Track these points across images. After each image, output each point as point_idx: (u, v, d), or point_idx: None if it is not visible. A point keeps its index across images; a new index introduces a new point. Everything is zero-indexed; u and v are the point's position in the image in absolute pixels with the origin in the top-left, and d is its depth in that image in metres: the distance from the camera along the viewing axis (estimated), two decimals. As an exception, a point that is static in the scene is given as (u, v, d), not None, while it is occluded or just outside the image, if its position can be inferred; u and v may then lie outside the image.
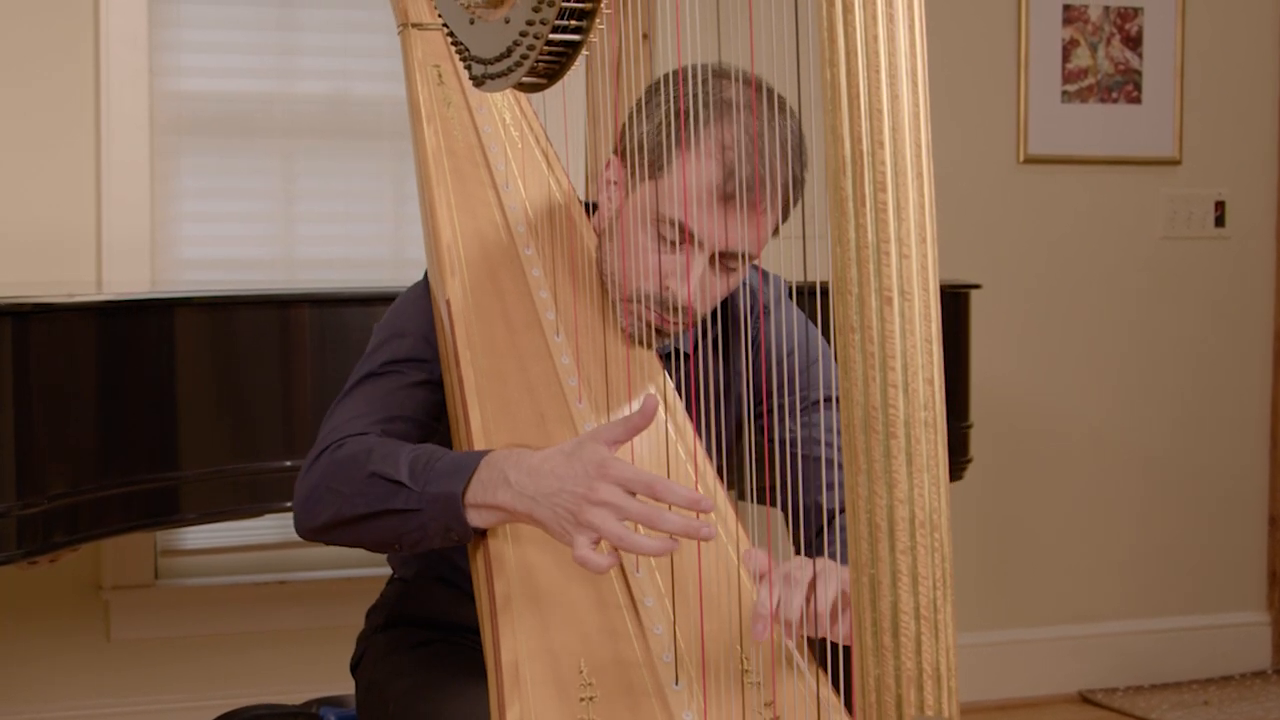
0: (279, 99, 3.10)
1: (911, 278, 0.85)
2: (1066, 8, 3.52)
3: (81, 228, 2.93)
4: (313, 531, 1.49)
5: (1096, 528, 3.65)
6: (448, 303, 1.54)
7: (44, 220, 2.92)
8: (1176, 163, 3.62)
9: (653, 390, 1.56)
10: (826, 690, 1.33)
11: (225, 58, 3.08)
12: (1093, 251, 3.60)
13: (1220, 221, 3.69)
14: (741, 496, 2.19)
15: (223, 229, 3.11)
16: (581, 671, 1.28)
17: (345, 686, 1.86)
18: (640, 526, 1.25)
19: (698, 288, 1.52)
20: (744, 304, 1.66)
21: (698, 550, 1.35)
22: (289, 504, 2.32)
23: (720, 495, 1.50)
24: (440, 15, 1.54)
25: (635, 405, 1.52)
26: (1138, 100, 3.58)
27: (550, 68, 1.41)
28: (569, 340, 1.57)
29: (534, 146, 1.77)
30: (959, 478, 2.83)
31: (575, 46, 1.37)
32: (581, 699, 1.26)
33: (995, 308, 3.41)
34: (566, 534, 1.27)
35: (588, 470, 1.26)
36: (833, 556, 1.39)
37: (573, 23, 1.34)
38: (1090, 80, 3.55)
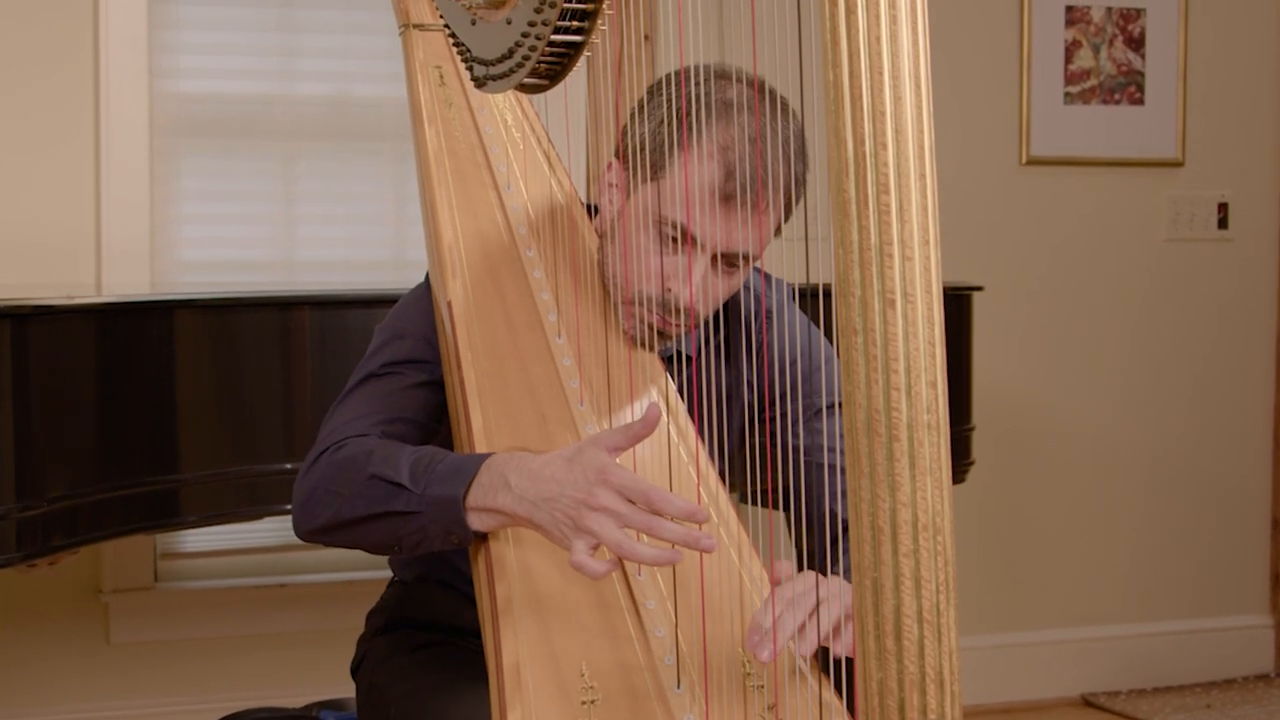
0: (279, 100, 3.10)
1: (914, 280, 0.85)
2: (1069, 9, 3.51)
3: (81, 229, 2.93)
4: (311, 533, 1.48)
5: (1099, 530, 3.65)
6: (449, 304, 1.54)
7: (43, 222, 2.91)
8: (1179, 164, 3.62)
9: (655, 396, 1.55)
10: (829, 694, 1.33)
11: (225, 59, 3.08)
12: (1095, 253, 3.60)
13: (1223, 223, 3.68)
14: (744, 500, 2.19)
15: (223, 231, 3.11)
16: (583, 674, 1.27)
17: (346, 689, 1.86)
18: (642, 535, 1.25)
19: (699, 289, 1.52)
20: (748, 307, 1.65)
21: (700, 553, 1.35)
22: (289, 506, 2.31)
23: (722, 498, 1.49)
24: (442, 16, 1.54)
25: (637, 407, 1.52)
26: (1140, 102, 3.58)
27: (552, 69, 1.41)
28: (571, 342, 1.57)
29: (536, 148, 1.76)
30: (961, 480, 2.83)
31: (577, 48, 1.37)
32: (583, 702, 1.25)
33: (998, 310, 3.41)
34: (565, 539, 1.27)
35: (588, 476, 1.26)
36: (847, 569, 1.38)
37: (574, 24, 1.34)
38: (1093, 82, 3.54)
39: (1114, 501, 3.65)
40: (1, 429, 1.98)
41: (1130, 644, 3.65)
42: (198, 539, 3.10)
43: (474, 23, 1.45)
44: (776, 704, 1.30)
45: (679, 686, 1.29)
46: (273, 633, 3.10)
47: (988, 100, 3.48)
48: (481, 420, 1.45)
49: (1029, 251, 3.55)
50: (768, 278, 1.69)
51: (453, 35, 1.51)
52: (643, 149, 1.53)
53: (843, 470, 1.55)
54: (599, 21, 1.34)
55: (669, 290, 1.52)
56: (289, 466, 2.29)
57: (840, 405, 1.59)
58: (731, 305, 1.65)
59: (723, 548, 1.44)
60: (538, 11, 1.32)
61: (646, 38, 2.70)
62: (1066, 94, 3.52)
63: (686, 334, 1.59)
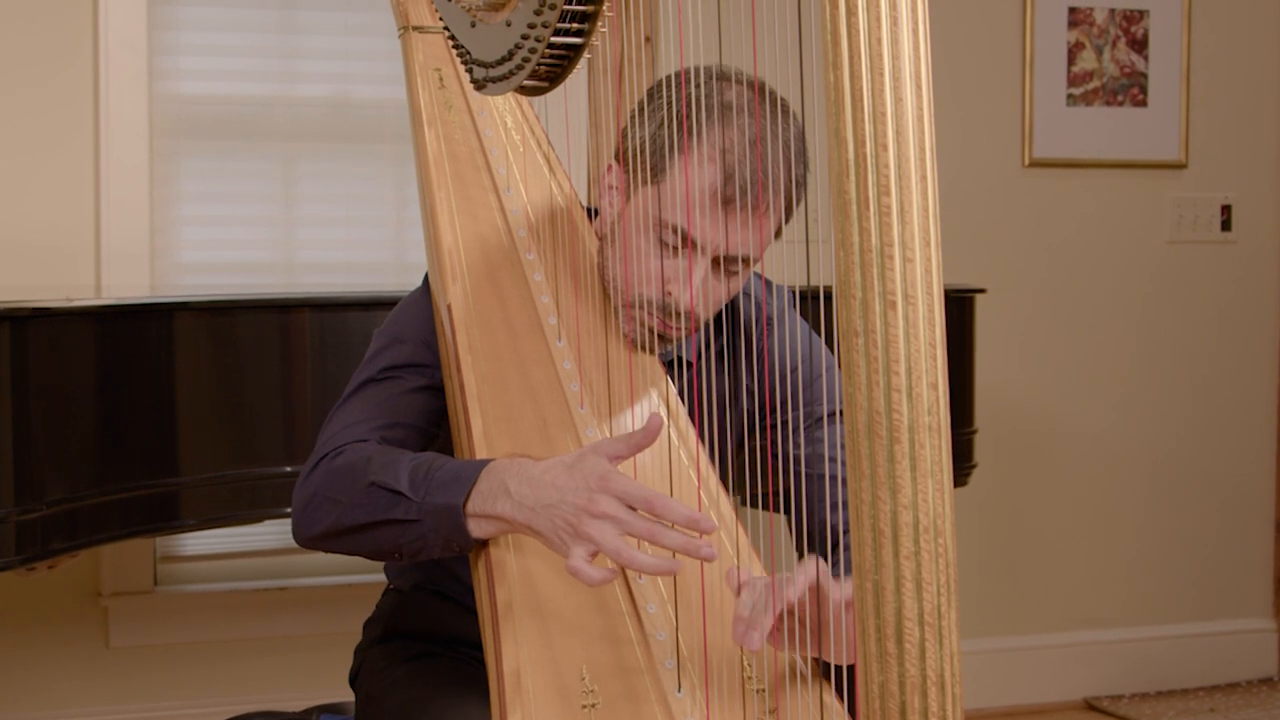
0: (279, 102, 3.09)
1: (915, 281, 0.84)
2: (1072, 10, 3.51)
3: (80, 231, 2.93)
4: (311, 540, 1.48)
5: (1101, 533, 3.64)
6: (449, 307, 1.53)
7: (43, 224, 2.91)
8: (1183, 166, 3.62)
9: (656, 400, 1.55)
10: (830, 697, 1.32)
11: (225, 61, 3.08)
12: (1098, 255, 3.59)
13: (1226, 225, 3.68)
14: (745, 503, 2.18)
15: (223, 233, 3.10)
16: (584, 678, 1.27)
17: (347, 693, 1.85)
18: (641, 543, 1.25)
19: (699, 292, 1.51)
20: (748, 314, 1.65)
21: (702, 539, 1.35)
22: (289, 510, 2.31)
23: (723, 501, 1.49)
24: (441, 18, 1.54)
25: (638, 411, 1.52)
26: (1143, 103, 3.57)
27: (552, 71, 1.40)
28: (571, 345, 1.56)
29: (536, 150, 1.76)
30: (964, 483, 2.82)
31: (577, 50, 1.36)
32: (584, 706, 1.25)
33: (1000, 312, 3.40)
34: (565, 545, 1.26)
35: (589, 483, 1.25)
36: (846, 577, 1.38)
37: (574, 26, 1.33)
38: (1096, 83, 3.54)
39: (1117, 504, 3.65)
40: (0, 431, 1.97)
41: (1133, 647, 3.64)
42: (197, 542, 3.10)
43: (473, 25, 1.45)
44: (778, 707, 1.30)
45: (680, 690, 1.29)
46: (273, 636, 3.09)
47: (990, 102, 3.48)
48: (481, 424, 1.45)
49: (1031, 254, 3.54)
50: (768, 284, 1.68)
51: (452, 37, 1.51)
52: (642, 151, 1.53)
53: (843, 481, 1.55)
54: (599, 24, 1.34)
55: (669, 293, 1.52)
56: (289, 469, 2.28)
57: (840, 414, 1.59)
58: (732, 311, 1.65)
59: (723, 551, 1.43)
60: (537, 14, 1.32)
61: (648, 39, 2.70)
62: (1069, 96, 3.52)
63: (687, 338, 1.59)
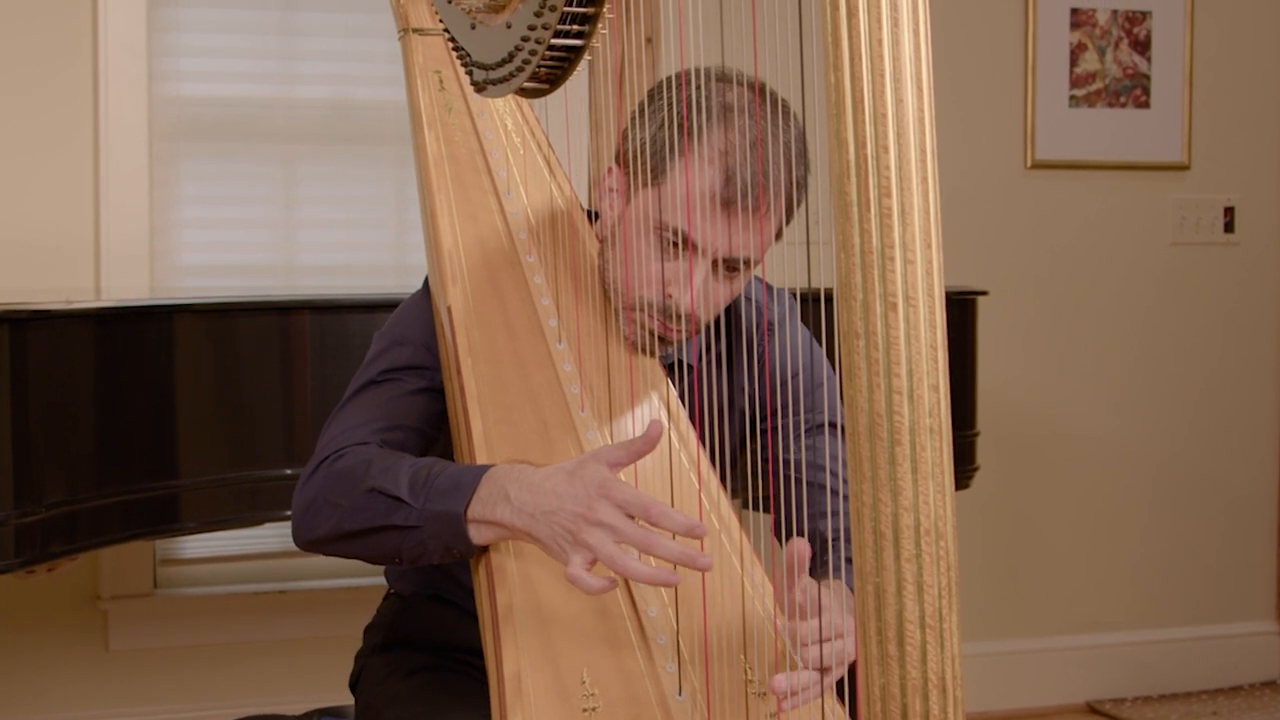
0: (279, 104, 3.09)
1: (916, 283, 0.84)
2: (1074, 11, 3.50)
3: (80, 234, 2.93)
4: (311, 544, 1.48)
5: (1104, 536, 3.64)
6: (449, 310, 1.53)
7: (43, 226, 2.91)
8: (1185, 168, 3.61)
9: (656, 402, 1.55)
10: (831, 700, 1.32)
11: (225, 63, 3.07)
12: (1101, 258, 3.59)
13: (1229, 227, 3.67)
14: (745, 506, 2.18)
15: (222, 235, 3.10)
16: (584, 682, 1.27)
17: (346, 697, 1.85)
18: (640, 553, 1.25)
19: (700, 294, 1.51)
20: (750, 318, 1.64)
21: (701, 547, 1.34)
22: (289, 512, 2.30)
23: (724, 505, 1.49)
24: (441, 20, 1.53)
25: (638, 414, 1.52)
26: (1146, 105, 3.57)
27: (552, 73, 1.40)
28: (571, 348, 1.56)
29: (536, 153, 1.76)
30: (966, 486, 2.82)
31: (577, 52, 1.36)
32: (584, 710, 1.25)
33: (1002, 314, 3.40)
34: (563, 552, 1.26)
35: (588, 490, 1.25)
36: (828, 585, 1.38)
37: (574, 28, 1.33)
38: (1098, 85, 3.53)
39: (1119, 507, 3.64)
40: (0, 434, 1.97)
41: (1136, 651, 3.64)
42: (197, 545, 3.10)
43: (473, 27, 1.44)
44: (779, 711, 1.29)
45: (680, 694, 1.28)
46: (273, 640, 3.09)
47: (992, 104, 3.47)
48: (481, 426, 1.45)
49: (1034, 256, 3.54)
50: (769, 288, 1.68)
51: (452, 40, 1.51)
52: (642, 153, 1.52)
53: (834, 492, 1.55)
54: (599, 25, 1.33)
55: (669, 296, 1.51)
56: (289, 472, 2.28)
57: (840, 426, 1.58)
58: (733, 315, 1.65)
59: (724, 554, 1.43)
60: (537, 15, 1.32)
61: (649, 41, 2.69)
62: (1072, 97, 3.51)
63: (687, 340, 1.58)
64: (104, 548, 2.21)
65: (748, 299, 1.65)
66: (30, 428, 2.01)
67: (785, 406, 1.62)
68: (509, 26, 1.37)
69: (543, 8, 1.31)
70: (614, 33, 1.44)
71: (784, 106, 1.51)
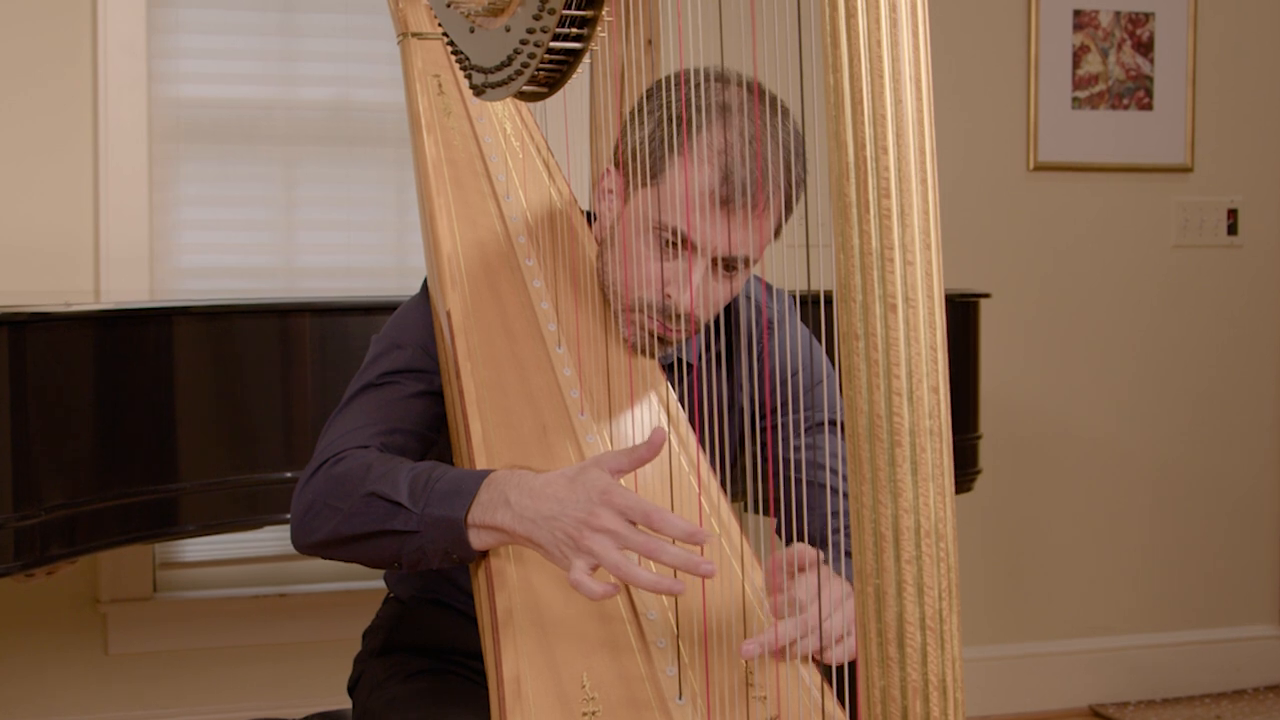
0: (279, 105, 3.09)
1: (916, 284, 0.84)
2: (1077, 13, 3.50)
3: (80, 235, 2.92)
4: (309, 547, 1.48)
5: (1107, 540, 3.63)
6: (448, 314, 1.53)
7: (42, 228, 2.91)
8: (1188, 170, 3.61)
9: (656, 405, 1.54)
10: (832, 704, 1.32)
11: (225, 64, 3.07)
12: (1104, 260, 3.58)
13: (1233, 229, 3.66)
14: (746, 509, 2.18)
15: (222, 237, 3.10)
16: (584, 686, 1.27)
17: (345, 700, 1.85)
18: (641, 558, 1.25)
19: (699, 294, 1.51)
20: (749, 317, 1.64)
21: (702, 552, 1.34)
22: (289, 515, 2.30)
23: (724, 508, 1.48)
24: (440, 24, 1.53)
25: (638, 417, 1.52)
26: (1149, 107, 3.56)
27: (551, 76, 1.40)
28: (571, 351, 1.56)
29: (535, 156, 1.76)
30: (968, 489, 2.81)
31: (576, 55, 1.36)
32: (584, 714, 1.25)
33: (1005, 317, 3.39)
34: (564, 558, 1.26)
35: (590, 496, 1.25)
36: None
37: (574, 31, 1.33)
38: (1101, 86, 3.53)
39: (1122, 510, 3.64)
40: (-2, 436, 1.97)
41: (1139, 654, 3.63)
42: (197, 548, 3.10)
43: (472, 30, 1.44)
44: (779, 714, 1.29)
45: (681, 697, 1.28)
46: (272, 643, 3.09)
47: (995, 105, 3.47)
48: (481, 430, 1.45)
49: (1036, 258, 3.53)
50: (769, 287, 1.68)
51: (451, 43, 1.51)
52: (639, 153, 1.52)
53: (834, 490, 1.55)
54: (598, 28, 1.33)
55: (668, 296, 1.51)
56: (289, 475, 2.28)
57: (840, 424, 1.58)
58: (732, 314, 1.65)
59: (724, 558, 1.43)
60: (536, 18, 1.31)
61: (649, 43, 2.69)
62: (1074, 99, 3.51)
63: (687, 340, 1.58)
64: (103, 551, 2.20)
65: (747, 298, 1.65)
66: (29, 430, 2.00)
67: (785, 404, 1.62)
68: (508, 30, 1.37)
69: (541, 10, 1.31)
70: (614, 35, 1.44)
71: (780, 106, 1.51)
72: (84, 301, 2.34)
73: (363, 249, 3.15)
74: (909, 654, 0.84)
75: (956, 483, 2.66)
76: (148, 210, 2.95)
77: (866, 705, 0.86)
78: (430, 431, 1.55)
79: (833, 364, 1.65)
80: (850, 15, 0.84)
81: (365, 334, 2.15)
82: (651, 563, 1.27)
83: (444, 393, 1.54)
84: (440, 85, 1.79)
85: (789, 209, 1.53)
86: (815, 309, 1.66)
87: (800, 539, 1.53)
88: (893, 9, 0.83)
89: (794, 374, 1.64)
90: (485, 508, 1.32)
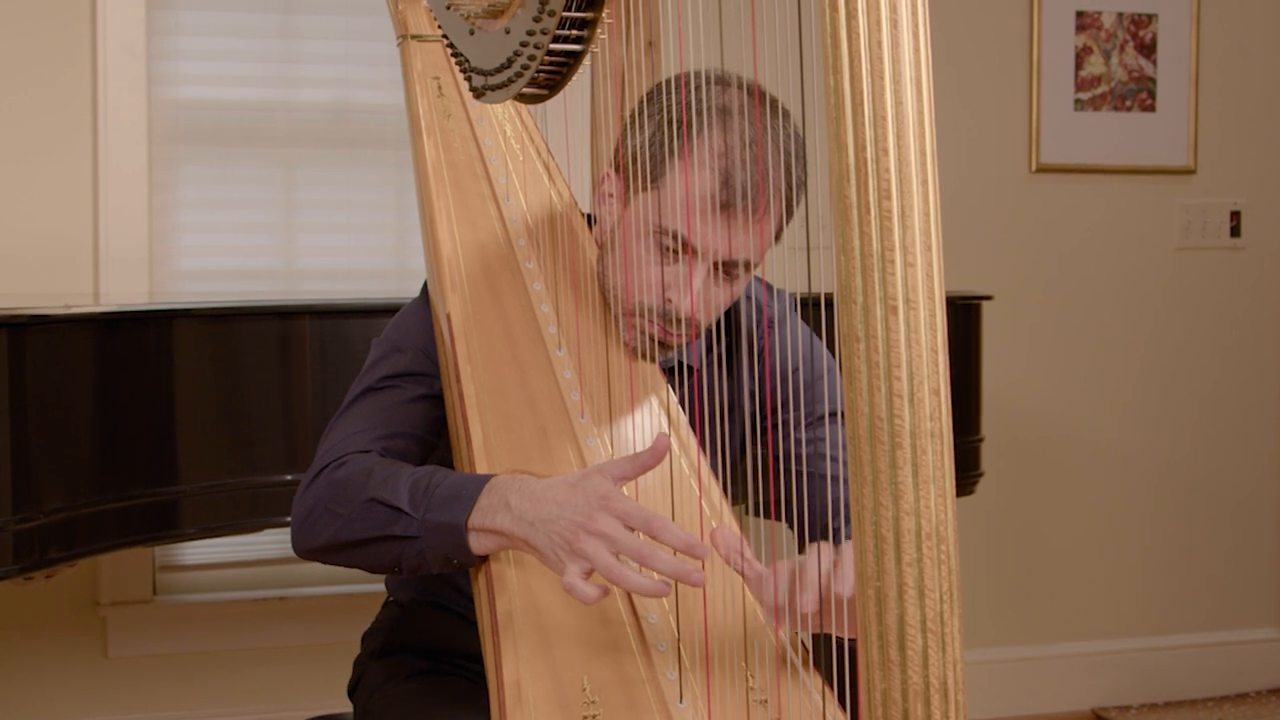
0: (279, 107, 3.09)
1: (917, 286, 0.84)
2: (1079, 14, 3.50)
3: (79, 238, 2.92)
4: (310, 552, 1.47)
5: (1110, 543, 3.62)
6: (448, 317, 1.53)
7: (41, 230, 2.91)
8: (1191, 172, 3.60)
9: (657, 408, 1.54)
10: (833, 707, 1.31)
11: (225, 66, 3.07)
12: (1106, 262, 3.58)
13: (1236, 231, 3.66)
14: (748, 512, 2.17)
15: (222, 239, 3.10)
16: (584, 689, 1.26)
17: (345, 704, 1.84)
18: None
19: (699, 298, 1.50)
20: (750, 317, 1.64)
21: (702, 567, 1.34)
22: (289, 518, 2.29)
23: (725, 512, 1.48)
24: (440, 26, 1.53)
25: (639, 420, 1.51)
26: (1152, 108, 3.56)
27: (551, 78, 1.40)
28: (571, 354, 1.56)
29: (535, 159, 1.76)
30: (970, 492, 2.81)
31: (576, 57, 1.36)
32: (585, 717, 1.24)
33: (1007, 319, 3.39)
34: (560, 562, 1.26)
35: (589, 500, 1.25)
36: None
37: (574, 33, 1.33)
38: (1104, 88, 3.52)
39: (1125, 513, 3.63)
40: (-2, 439, 1.97)
41: (1142, 658, 3.63)
42: (197, 551, 3.09)
43: (472, 32, 1.44)
44: (780, 718, 1.29)
45: (681, 701, 1.28)
46: (272, 646, 3.08)
47: (997, 107, 3.47)
48: (481, 433, 1.44)
49: (1039, 260, 3.53)
50: (769, 287, 1.67)
51: (451, 45, 1.50)
52: (639, 157, 1.52)
53: (835, 478, 1.55)
54: (598, 30, 1.33)
55: (669, 300, 1.51)
56: (289, 478, 2.27)
57: (841, 414, 1.58)
58: (733, 315, 1.65)
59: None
60: (536, 20, 1.31)
61: (651, 44, 2.69)
62: (1077, 100, 3.50)
63: (688, 344, 1.58)
64: (103, 554, 2.20)
65: (748, 298, 1.65)
66: (29, 433, 2.00)
67: (787, 401, 1.61)
68: (507, 32, 1.37)
69: (541, 13, 1.30)
70: (614, 37, 1.43)
71: (780, 108, 1.51)
72: (83, 304, 2.34)
73: (363, 251, 3.15)
74: (910, 657, 0.84)
75: (959, 485, 2.67)
76: (147, 212, 2.95)
77: (868, 708, 0.86)
78: (431, 435, 1.55)
79: (836, 365, 1.65)
80: (850, 16, 0.83)
81: (365, 336, 2.15)
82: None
83: (444, 396, 1.53)
84: (440, 87, 1.79)
85: (789, 212, 1.53)
86: (816, 311, 1.66)
87: (803, 530, 1.53)
88: (893, 10, 0.83)
89: (795, 370, 1.63)
90: (485, 511, 1.32)
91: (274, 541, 3.06)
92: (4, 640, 2.94)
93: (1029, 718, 3.53)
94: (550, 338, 1.57)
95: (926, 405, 0.84)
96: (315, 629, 3.08)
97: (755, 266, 1.54)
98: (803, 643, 1.37)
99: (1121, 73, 3.53)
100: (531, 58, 1.34)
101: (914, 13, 0.84)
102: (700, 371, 1.61)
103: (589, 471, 1.28)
